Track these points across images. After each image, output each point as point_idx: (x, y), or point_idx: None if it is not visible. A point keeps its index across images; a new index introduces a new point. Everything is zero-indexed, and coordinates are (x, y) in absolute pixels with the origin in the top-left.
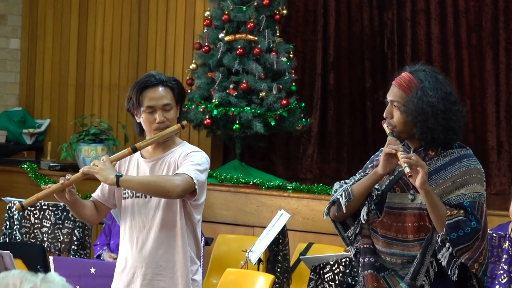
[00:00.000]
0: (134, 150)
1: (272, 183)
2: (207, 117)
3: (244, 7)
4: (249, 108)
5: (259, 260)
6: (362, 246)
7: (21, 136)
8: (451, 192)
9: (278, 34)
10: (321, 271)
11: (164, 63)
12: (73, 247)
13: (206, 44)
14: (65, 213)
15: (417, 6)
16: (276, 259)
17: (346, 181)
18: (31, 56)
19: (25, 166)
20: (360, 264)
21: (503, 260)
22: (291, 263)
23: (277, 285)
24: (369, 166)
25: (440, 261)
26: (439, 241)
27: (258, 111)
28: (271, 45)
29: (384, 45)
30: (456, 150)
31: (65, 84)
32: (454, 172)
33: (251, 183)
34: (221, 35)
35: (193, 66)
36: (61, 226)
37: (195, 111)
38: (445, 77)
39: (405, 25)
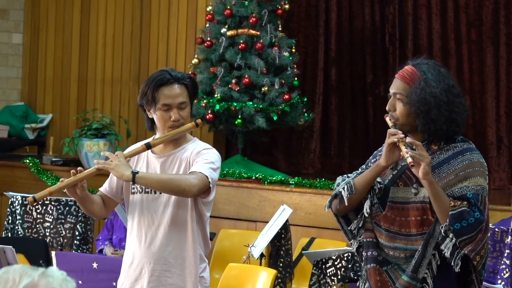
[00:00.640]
0: (148, 147)
1: (274, 178)
2: (209, 112)
3: (246, 2)
4: (251, 103)
5: (262, 255)
6: (365, 240)
7: (23, 131)
8: (454, 184)
9: (280, 29)
10: (323, 266)
11: (166, 58)
12: (75, 242)
13: (208, 38)
14: (67, 208)
15: (419, 1)
16: (278, 254)
17: (349, 175)
18: (33, 51)
19: (27, 161)
20: (363, 258)
21: (506, 254)
22: (294, 258)
23: (279, 280)
24: (372, 161)
25: (443, 253)
26: (442, 231)
27: (260, 106)
28: (273, 40)
29: (385, 40)
30: (459, 144)
31: (67, 79)
32: (457, 166)
33: (253, 178)
34: (223, 30)
35: (195, 61)
36: (63, 221)
37: (197, 106)
38: (448, 70)
39: (406, 19)
